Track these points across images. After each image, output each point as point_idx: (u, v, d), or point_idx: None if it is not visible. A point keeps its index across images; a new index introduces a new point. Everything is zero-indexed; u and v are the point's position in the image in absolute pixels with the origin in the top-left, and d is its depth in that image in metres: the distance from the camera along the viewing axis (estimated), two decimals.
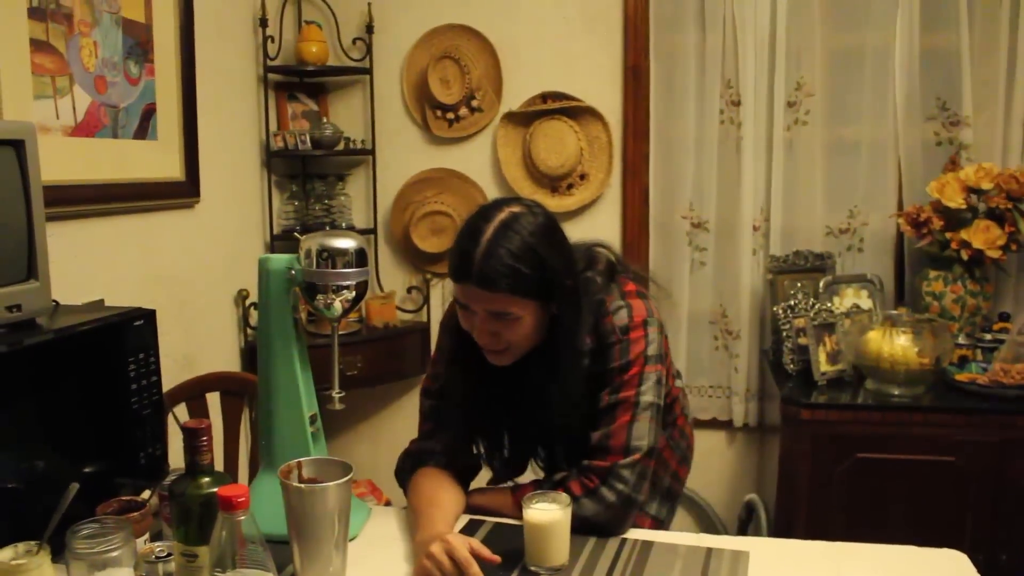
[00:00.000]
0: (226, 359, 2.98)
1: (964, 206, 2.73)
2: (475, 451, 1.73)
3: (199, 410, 2.31)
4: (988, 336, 2.75)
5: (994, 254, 2.71)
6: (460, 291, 1.47)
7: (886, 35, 2.92)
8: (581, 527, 1.49)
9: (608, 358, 1.56)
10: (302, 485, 1.30)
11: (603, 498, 1.51)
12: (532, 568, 1.41)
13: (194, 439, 1.17)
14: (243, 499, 1.04)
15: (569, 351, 1.53)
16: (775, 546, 1.52)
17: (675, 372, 1.89)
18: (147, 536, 1.43)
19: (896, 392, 2.59)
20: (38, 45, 2.09)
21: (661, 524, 1.83)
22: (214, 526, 1.07)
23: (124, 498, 1.47)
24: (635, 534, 1.54)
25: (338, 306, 1.53)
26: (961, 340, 2.75)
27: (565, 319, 1.50)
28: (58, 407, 1.57)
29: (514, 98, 3.22)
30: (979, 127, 2.90)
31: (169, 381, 2.29)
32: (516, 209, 1.47)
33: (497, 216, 1.45)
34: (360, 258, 1.53)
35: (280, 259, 1.55)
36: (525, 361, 1.55)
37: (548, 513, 1.40)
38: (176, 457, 1.80)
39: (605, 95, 3.15)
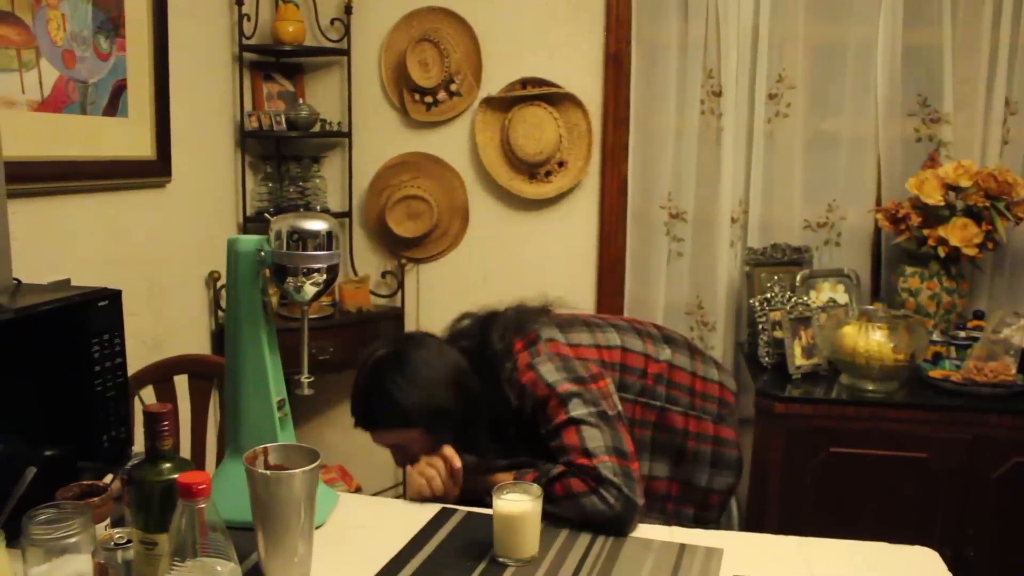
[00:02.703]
0: (196, 342, 2.93)
1: (942, 203, 2.73)
2: None
3: (166, 393, 2.27)
4: (962, 333, 2.75)
5: (971, 252, 2.71)
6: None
7: (869, 29, 2.90)
8: (586, 524, 1.52)
9: (529, 412, 1.69)
10: (268, 472, 1.27)
11: (605, 497, 1.51)
12: (501, 559, 1.39)
13: (155, 423, 1.13)
14: (204, 486, 1.01)
15: (464, 437, 1.72)
16: (748, 541, 1.51)
17: (658, 340, 1.94)
18: (108, 521, 1.39)
19: (870, 387, 2.59)
20: (2, 16, 2.04)
21: (727, 494, 1.91)
22: (174, 514, 1.04)
23: (85, 483, 1.42)
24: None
25: (308, 289, 1.50)
26: (935, 337, 2.75)
27: (441, 428, 1.70)
28: (18, 388, 1.52)
29: (493, 83, 3.18)
30: (959, 124, 2.89)
31: (138, 363, 2.25)
32: (380, 355, 1.76)
33: (363, 370, 1.78)
34: (331, 240, 1.49)
35: (249, 240, 1.51)
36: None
37: (518, 504, 1.38)
38: (141, 441, 1.77)
39: (585, 82, 3.12)
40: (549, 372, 1.68)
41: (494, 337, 1.79)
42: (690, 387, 1.89)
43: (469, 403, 1.73)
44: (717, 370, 1.98)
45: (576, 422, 1.60)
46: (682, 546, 1.45)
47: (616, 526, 1.50)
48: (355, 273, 3.34)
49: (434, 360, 1.74)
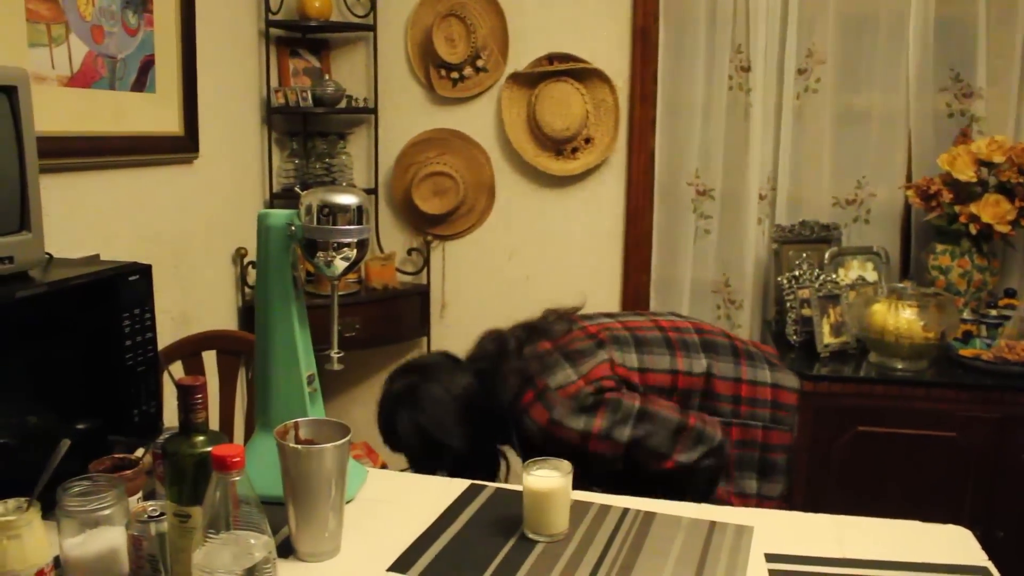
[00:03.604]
0: (223, 317, 2.95)
1: (975, 179, 2.69)
2: None
3: (195, 368, 2.28)
4: (993, 312, 2.72)
5: (1003, 229, 2.67)
6: None
7: (900, 2, 2.86)
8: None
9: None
10: (299, 446, 1.27)
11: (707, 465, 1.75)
12: (530, 536, 1.39)
13: (188, 396, 1.13)
14: (238, 459, 1.01)
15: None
16: (778, 518, 1.50)
17: (695, 349, 1.87)
18: (140, 495, 1.40)
19: (899, 366, 2.57)
20: None
21: (784, 497, 1.88)
22: (207, 486, 1.04)
23: (117, 456, 1.43)
24: (639, 504, 1.52)
25: (339, 264, 1.49)
26: (966, 315, 2.72)
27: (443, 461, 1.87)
28: (51, 362, 1.53)
29: (520, 59, 3.16)
30: (992, 99, 2.85)
31: (165, 339, 2.26)
32: (394, 394, 1.94)
33: (383, 404, 1.96)
34: (362, 215, 1.49)
35: (280, 215, 1.51)
36: None
37: (548, 480, 1.38)
38: (171, 415, 1.78)
39: (613, 58, 3.10)
40: (576, 421, 1.72)
41: (508, 384, 1.82)
42: (734, 395, 1.82)
43: (476, 436, 1.88)
44: (770, 370, 1.89)
45: (637, 442, 1.71)
46: (712, 523, 1.44)
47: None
48: (381, 250, 3.34)
49: (445, 397, 1.88)
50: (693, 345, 1.86)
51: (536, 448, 1.69)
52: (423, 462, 1.89)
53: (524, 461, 1.44)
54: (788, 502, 1.85)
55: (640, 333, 1.85)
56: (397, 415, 1.90)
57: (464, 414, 1.86)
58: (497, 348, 1.89)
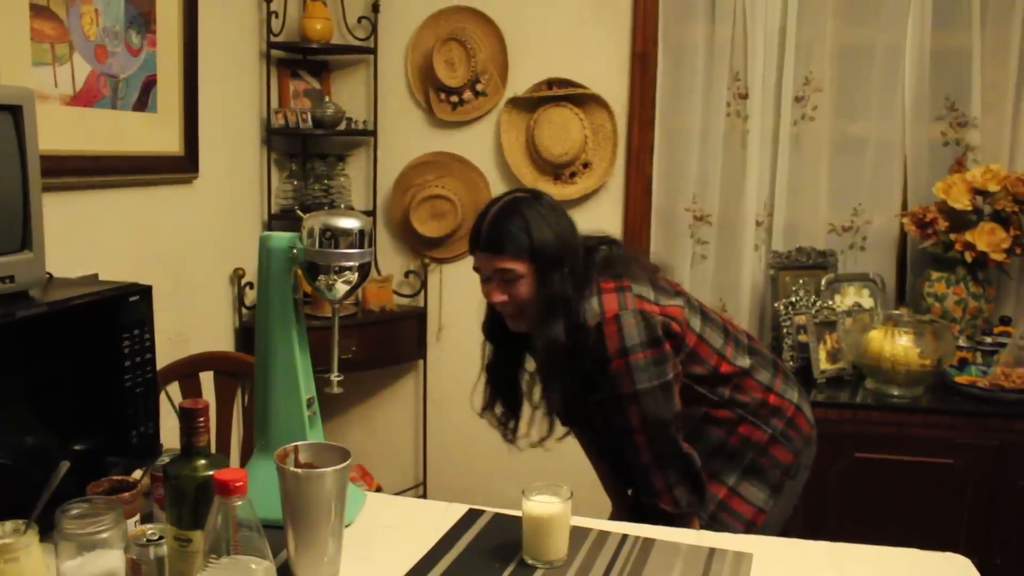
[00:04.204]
0: (220, 338, 2.94)
1: (970, 208, 2.71)
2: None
3: (192, 389, 2.28)
4: (989, 339, 2.74)
5: (998, 257, 2.69)
6: (476, 261, 1.77)
7: (897, 32, 2.89)
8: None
9: (590, 354, 1.72)
10: (299, 470, 1.27)
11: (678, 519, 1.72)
12: (529, 562, 1.38)
13: (191, 420, 1.13)
14: (241, 483, 1.01)
15: (550, 306, 1.72)
16: (777, 545, 1.50)
17: (743, 349, 1.89)
18: (137, 517, 1.39)
19: (896, 392, 2.58)
20: (38, 10, 2.05)
21: (762, 511, 1.84)
22: (209, 510, 1.04)
23: (115, 477, 1.43)
24: (638, 530, 1.52)
25: (340, 287, 1.50)
26: (962, 342, 2.73)
27: (553, 281, 1.71)
28: (49, 382, 1.53)
29: (519, 83, 3.18)
30: (987, 128, 2.87)
31: (162, 359, 2.25)
32: (518, 194, 1.80)
33: (501, 199, 1.78)
34: (364, 239, 1.49)
35: (282, 237, 1.51)
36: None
37: (548, 506, 1.38)
38: (168, 436, 1.78)
39: (611, 83, 3.12)
40: (629, 331, 1.69)
41: (598, 254, 1.83)
42: (761, 400, 1.85)
43: (575, 270, 1.75)
44: (798, 394, 1.94)
45: (637, 397, 1.69)
46: (711, 550, 1.44)
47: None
48: (378, 272, 3.34)
49: (565, 217, 1.79)
50: (742, 344, 1.90)
51: (546, 357, 1.73)
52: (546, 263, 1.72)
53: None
54: (761, 529, 1.83)
55: (706, 310, 1.90)
56: (523, 205, 1.74)
57: (577, 240, 1.79)
58: (603, 239, 1.89)
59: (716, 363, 1.82)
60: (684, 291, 1.90)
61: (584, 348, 1.72)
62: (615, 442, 1.82)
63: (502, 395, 1.95)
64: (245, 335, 3.02)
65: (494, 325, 1.89)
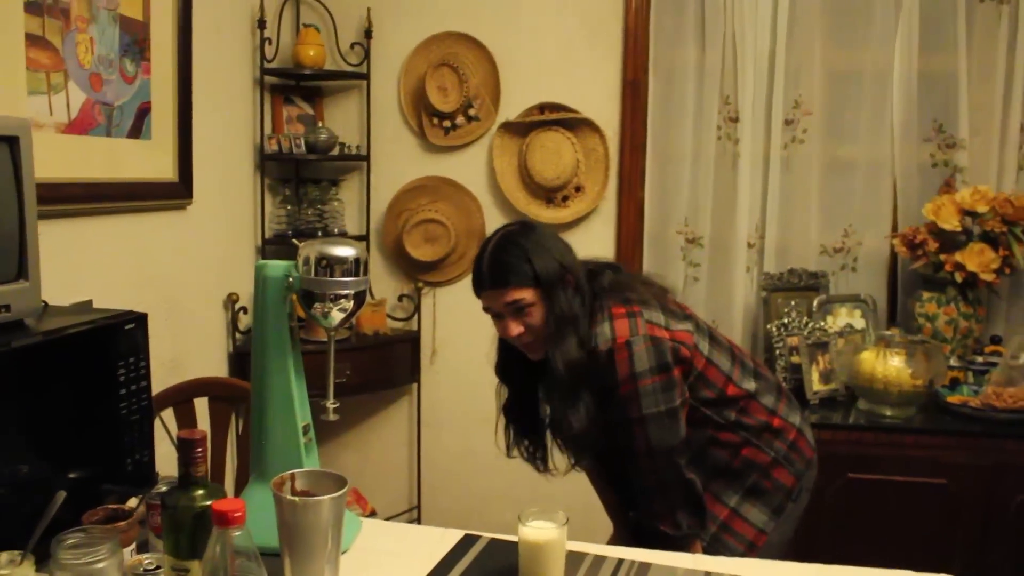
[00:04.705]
0: (214, 364, 2.94)
1: (959, 228, 2.73)
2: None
3: (187, 415, 2.27)
4: (980, 359, 2.76)
5: (988, 277, 2.71)
6: (484, 301, 1.80)
7: (885, 56, 2.92)
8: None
9: (600, 378, 1.74)
10: (296, 498, 1.27)
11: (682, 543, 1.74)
12: None
13: (189, 450, 1.14)
14: (239, 514, 1.01)
15: (561, 324, 1.75)
16: (771, 569, 1.50)
17: (749, 372, 1.91)
18: (133, 546, 1.39)
19: (888, 413, 2.59)
20: (34, 40, 2.06)
21: (763, 533, 1.85)
22: (207, 540, 1.04)
23: (110, 506, 1.43)
24: (634, 554, 1.52)
25: (335, 315, 1.51)
26: (953, 362, 2.75)
27: (560, 301, 1.75)
28: (44, 411, 1.53)
29: (511, 108, 3.20)
30: (975, 150, 2.91)
31: (156, 385, 2.25)
32: (509, 228, 1.83)
33: (493, 237, 1.81)
34: (359, 267, 1.50)
35: (278, 266, 1.52)
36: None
37: (544, 532, 1.38)
38: (162, 462, 1.78)
39: (603, 108, 3.14)
40: (639, 356, 1.71)
41: (604, 279, 1.84)
42: (765, 423, 1.87)
43: (580, 288, 1.80)
44: (801, 418, 1.96)
45: (645, 421, 1.72)
46: (707, 574, 1.45)
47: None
48: (372, 296, 3.35)
49: (560, 240, 1.84)
50: (748, 367, 1.92)
51: (565, 373, 1.74)
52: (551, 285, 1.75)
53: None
54: (762, 550, 1.84)
55: (714, 333, 1.93)
56: (517, 237, 1.78)
57: (574, 262, 1.82)
58: (607, 264, 1.93)
59: (723, 386, 1.84)
60: (693, 313, 1.93)
61: (594, 372, 1.74)
62: (620, 463, 1.84)
63: (525, 431, 1.96)
64: (239, 360, 3.02)
65: (508, 365, 1.92)
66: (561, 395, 1.76)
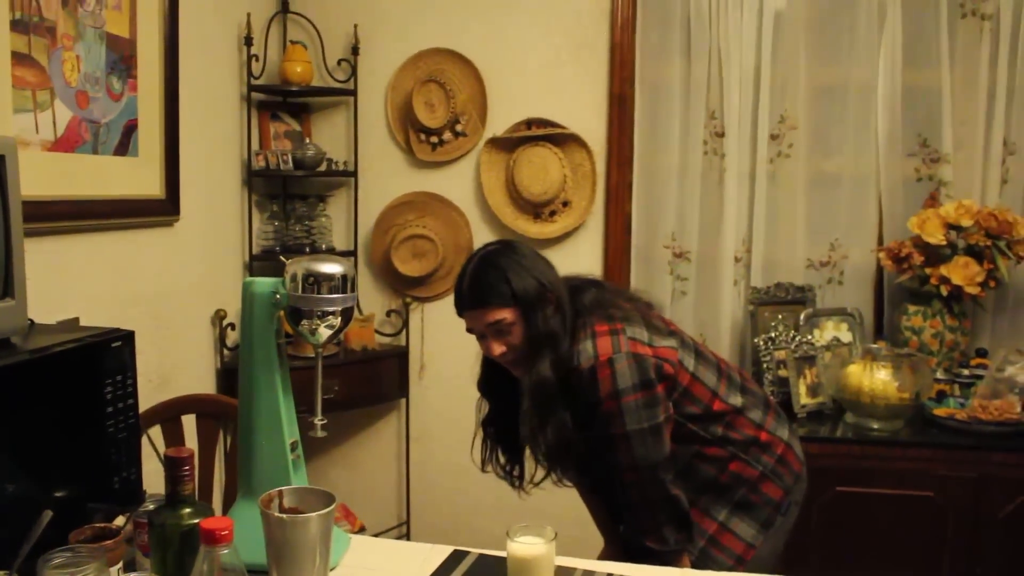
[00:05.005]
0: (201, 380, 2.93)
1: (944, 242, 2.75)
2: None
3: (174, 433, 2.26)
4: (966, 371, 2.77)
5: (973, 290, 2.73)
6: (466, 321, 1.82)
7: (869, 71, 2.95)
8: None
9: (583, 396, 1.76)
10: (284, 515, 1.27)
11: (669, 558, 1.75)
12: None
13: (176, 469, 1.14)
14: (227, 532, 1.01)
15: (536, 344, 1.76)
16: None
17: (735, 387, 1.91)
18: (120, 565, 1.38)
19: (876, 426, 2.60)
20: (19, 58, 2.06)
21: (752, 547, 1.85)
22: (195, 558, 1.04)
23: (97, 524, 1.42)
24: (623, 569, 1.52)
25: (323, 332, 1.51)
26: (939, 375, 2.76)
27: (538, 321, 1.76)
28: (31, 429, 1.52)
29: (499, 123, 3.21)
30: (959, 164, 2.93)
31: (143, 402, 2.24)
32: (490, 247, 1.85)
33: (474, 257, 1.83)
34: (346, 283, 1.50)
35: (265, 283, 1.52)
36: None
37: (532, 547, 1.38)
38: (148, 480, 1.77)
39: (590, 123, 3.15)
40: (622, 373, 1.72)
41: (587, 296, 1.85)
42: (753, 437, 1.87)
43: (561, 307, 1.80)
44: (789, 432, 1.97)
45: (628, 438, 1.72)
46: None
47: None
48: (360, 312, 3.35)
49: (540, 259, 1.85)
50: (735, 382, 1.93)
51: (536, 392, 1.75)
52: (530, 306, 1.76)
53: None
54: (751, 565, 1.83)
55: (699, 348, 1.93)
56: (498, 257, 1.80)
57: (556, 280, 1.83)
58: (590, 280, 1.94)
59: (709, 401, 1.84)
60: (678, 329, 1.93)
61: (577, 390, 1.75)
62: (604, 481, 1.84)
63: (503, 445, 1.97)
64: (227, 376, 3.01)
65: (490, 380, 1.94)
66: (533, 412, 1.77)
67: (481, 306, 1.77)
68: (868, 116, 2.97)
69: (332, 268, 1.49)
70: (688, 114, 3.06)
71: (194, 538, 1.04)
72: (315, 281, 1.47)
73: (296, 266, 1.49)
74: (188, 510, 1.14)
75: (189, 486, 1.14)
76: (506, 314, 1.75)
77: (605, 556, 2.00)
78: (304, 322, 1.49)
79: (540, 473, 1.93)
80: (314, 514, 1.26)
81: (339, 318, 1.50)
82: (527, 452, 1.97)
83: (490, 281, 1.77)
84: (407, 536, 3.45)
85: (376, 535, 3.23)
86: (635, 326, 1.79)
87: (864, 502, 2.53)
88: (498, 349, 1.78)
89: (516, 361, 1.80)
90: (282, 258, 1.57)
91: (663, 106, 3.09)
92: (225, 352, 3.03)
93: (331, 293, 1.48)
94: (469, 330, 1.83)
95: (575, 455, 1.81)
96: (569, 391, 1.75)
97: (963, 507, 2.49)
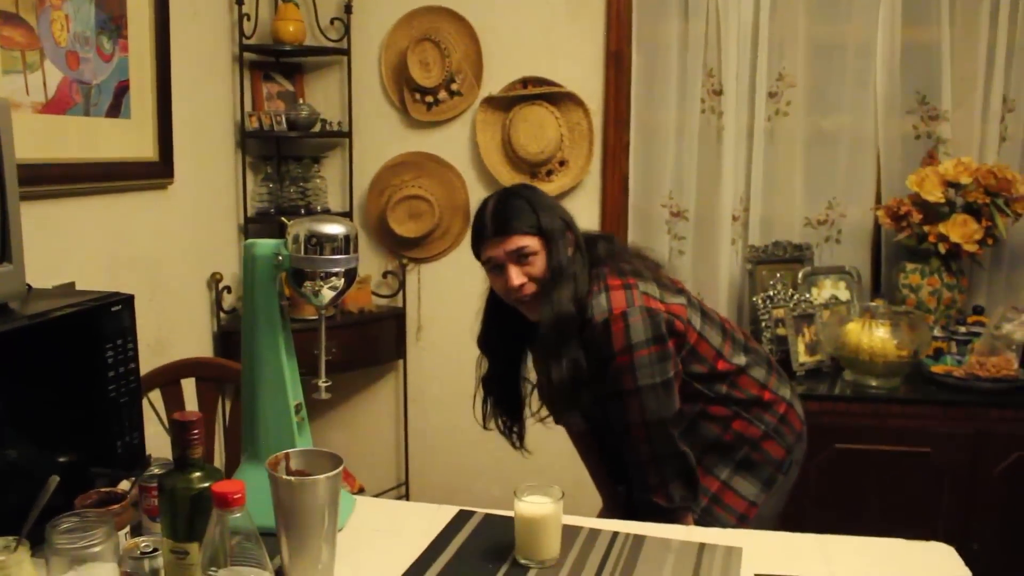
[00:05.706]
0: (198, 344, 2.92)
1: (942, 200, 2.75)
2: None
3: (174, 397, 2.26)
4: (963, 329, 2.78)
5: (971, 248, 2.73)
6: (486, 252, 1.79)
7: (868, 28, 2.92)
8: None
9: (595, 349, 1.73)
10: (292, 478, 1.27)
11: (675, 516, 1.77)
12: (522, 561, 1.39)
13: (185, 432, 1.13)
14: (239, 496, 1.01)
15: (559, 275, 1.75)
16: (766, 539, 1.52)
17: (739, 346, 1.92)
18: (127, 529, 1.38)
19: (874, 383, 2.61)
20: (7, 17, 2.02)
21: (754, 505, 1.86)
22: (206, 522, 1.04)
23: (103, 489, 1.42)
24: (628, 527, 1.53)
25: (326, 293, 1.50)
26: (937, 332, 2.77)
27: (560, 252, 1.76)
28: (32, 395, 1.51)
29: (494, 82, 3.18)
30: (957, 122, 2.92)
31: (141, 366, 2.24)
32: (512, 187, 1.90)
33: (494, 195, 1.84)
34: (349, 244, 1.49)
35: (267, 244, 1.50)
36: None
37: (540, 506, 1.38)
38: (150, 444, 1.76)
39: (586, 82, 3.12)
40: (635, 328, 1.71)
41: (600, 248, 1.85)
42: (756, 396, 1.88)
43: (579, 245, 1.82)
44: (791, 392, 1.98)
45: (639, 392, 1.71)
46: (702, 545, 1.46)
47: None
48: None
49: (560, 204, 1.88)
50: (739, 342, 1.93)
51: (554, 324, 1.73)
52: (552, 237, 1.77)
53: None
54: (753, 522, 1.84)
55: (705, 308, 1.93)
56: (521, 190, 1.85)
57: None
58: (602, 235, 1.93)
59: (714, 360, 1.84)
60: (685, 288, 1.93)
61: (589, 344, 1.74)
62: (611, 437, 1.84)
63: (504, 403, 1.97)
64: (224, 339, 3.00)
65: (490, 337, 1.94)
66: (548, 347, 1.76)
67: (505, 233, 1.75)
68: (867, 73, 2.95)
69: (335, 229, 1.47)
70: (686, 72, 3.03)
71: (204, 502, 1.04)
72: (318, 242, 1.46)
73: (298, 227, 1.47)
74: (198, 474, 1.13)
75: (199, 450, 1.14)
76: (530, 242, 1.75)
77: (603, 515, 2.01)
78: (307, 283, 1.48)
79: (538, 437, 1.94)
80: (323, 476, 1.26)
81: (342, 279, 1.49)
82: (526, 411, 1.98)
83: (516, 209, 1.77)
84: (406, 497, 3.47)
85: (375, 496, 3.24)
86: (647, 281, 1.79)
87: (862, 459, 2.55)
88: (518, 279, 1.76)
89: (533, 296, 1.77)
90: (283, 219, 1.55)
91: (660, 64, 3.06)
92: (222, 315, 3.01)
93: (334, 254, 1.47)
94: (487, 262, 1.80)
95: (577, 396, 1.80)
96: (577, 332, 1.74)
97: (960, 463, 2.51)
